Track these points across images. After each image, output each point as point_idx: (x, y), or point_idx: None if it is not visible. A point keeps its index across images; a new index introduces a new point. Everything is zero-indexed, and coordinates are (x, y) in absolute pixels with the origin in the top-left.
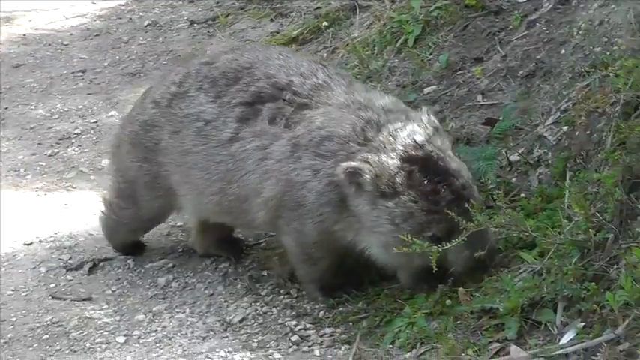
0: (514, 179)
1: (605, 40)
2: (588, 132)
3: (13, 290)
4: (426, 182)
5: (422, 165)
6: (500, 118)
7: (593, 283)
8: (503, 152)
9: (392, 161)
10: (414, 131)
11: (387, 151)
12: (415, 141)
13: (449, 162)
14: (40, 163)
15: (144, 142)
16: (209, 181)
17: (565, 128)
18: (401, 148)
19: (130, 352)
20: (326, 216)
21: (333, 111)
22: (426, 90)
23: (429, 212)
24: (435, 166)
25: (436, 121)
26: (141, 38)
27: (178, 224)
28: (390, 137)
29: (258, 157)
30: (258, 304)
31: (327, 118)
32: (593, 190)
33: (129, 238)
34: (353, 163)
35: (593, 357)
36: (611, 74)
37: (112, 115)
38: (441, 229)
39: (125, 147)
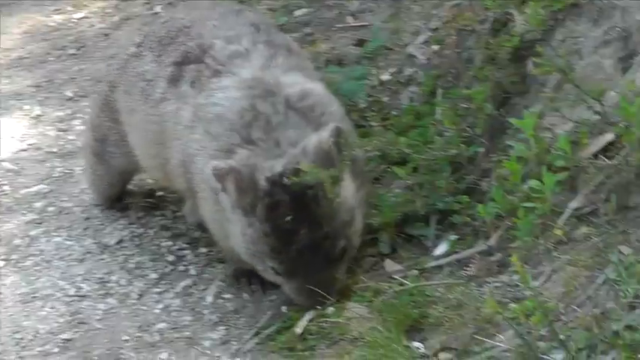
0: (385, 98)
1: None
2: (458, 50)
3: None
4: (287, 220)
5: (291, 199)
6: (371, 39)
7: (465, 196)
8: (374, 72)
9: (262, 183)
10: (304, 151)
11: (264, 167)
12: (297, 166)
13: (323, 204)
14: None
15: (110, 102)
16: (148, 142)
17: (435, 47)
18: (279, 169)
19: (9, 276)
20: (208, 194)
21: (234, 89)
22: (297, 13)
23: (275, 250)
24: (306, 206)
25: (337, 142)
26: None
27: (53, 150)
28: (275, 149)
29: (174, 121)
30: (134, 226)
31: (225, 95)
32: (464, 106)
33: (110, 192)
34: (222, 166)
35: (466, 268)
36: None
37: None
38: (282, 269)
39: (98, 105)
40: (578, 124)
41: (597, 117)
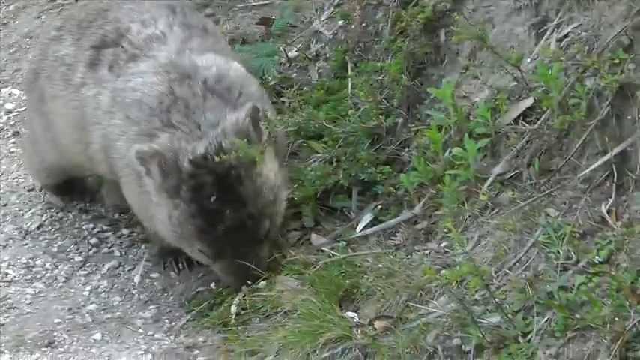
0: (294, 74)
1: None
2: (364, 24)
3: None
4: (211, 200)
5: (215, 179)
6: (274, 17)
7: (387, 167)
8: (282, 49)
9: (185, 165)
10: (224, 132)
11: (186, 149)
12: (220, 146)
13: (246, 184)
14: None
15: (34, 91)
16: (71, 128)
17: (340, 22)
18: (201, 151)
19: None
20: (131, 178)
21: (152, 74)
22: None
23: (201, 231)
24: (229, 187)
25: (254, 120)
26: None
27: None
28: (196, 131)
29: (94, 106)
30: (52, 210)
31: (143, 80)
32: (378, 78)
33: (48, 181)
34: (146, 149)
35: (393, 237)
36: None
37: None
38: (209, 250)
39: (26, 94)
40: (495, 90)
41: (514, 83)
